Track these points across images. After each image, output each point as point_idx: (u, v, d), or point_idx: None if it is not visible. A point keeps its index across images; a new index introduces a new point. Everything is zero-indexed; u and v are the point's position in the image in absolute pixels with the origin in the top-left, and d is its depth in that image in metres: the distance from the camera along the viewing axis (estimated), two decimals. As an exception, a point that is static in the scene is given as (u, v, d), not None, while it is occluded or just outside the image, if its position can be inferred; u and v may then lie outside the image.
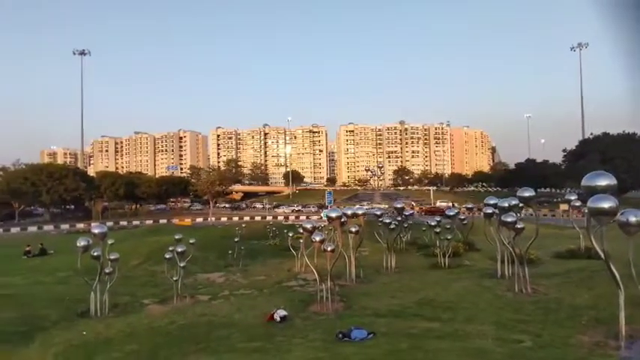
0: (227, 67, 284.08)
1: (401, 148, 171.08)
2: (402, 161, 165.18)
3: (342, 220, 12.39)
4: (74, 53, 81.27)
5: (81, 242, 12.28)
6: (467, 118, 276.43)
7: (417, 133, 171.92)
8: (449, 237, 18.98)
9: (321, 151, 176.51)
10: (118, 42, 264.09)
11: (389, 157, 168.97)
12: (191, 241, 17.90)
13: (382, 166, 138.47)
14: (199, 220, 61.25)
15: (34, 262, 26.03)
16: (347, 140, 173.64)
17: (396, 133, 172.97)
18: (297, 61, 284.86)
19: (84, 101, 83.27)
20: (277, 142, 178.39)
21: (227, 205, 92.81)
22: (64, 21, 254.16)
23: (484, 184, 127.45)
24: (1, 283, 18.07)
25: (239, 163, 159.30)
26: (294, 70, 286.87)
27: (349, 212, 13.63)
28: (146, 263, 22.41)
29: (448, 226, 21.08)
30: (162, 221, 59.81)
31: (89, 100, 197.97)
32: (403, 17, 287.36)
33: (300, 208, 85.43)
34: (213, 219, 61.12)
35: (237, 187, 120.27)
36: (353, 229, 14.62)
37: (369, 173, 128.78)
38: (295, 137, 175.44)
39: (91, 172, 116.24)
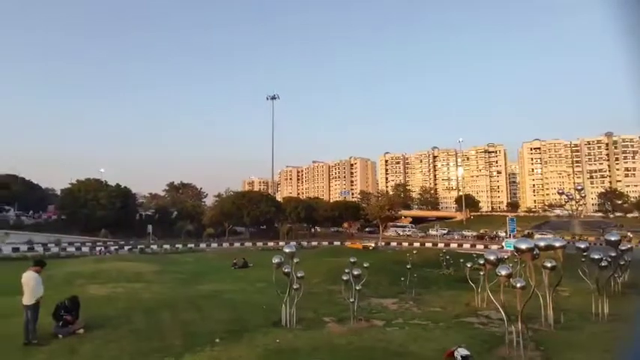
0: (393, 95, 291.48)
1: (608, 166, 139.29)
2: (610, 182, 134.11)
3: (535, 252, 10.63)
4: (267, 99, 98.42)
5: (275, 259, 14.20)
6: None
7: (633, 145, 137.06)
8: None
9: (499, 172, 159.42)
10: (298, 86, 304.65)
11: (591, 176, 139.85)
12: (365, 265, 18.46)
13: (582, 188, 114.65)
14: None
15: (239, 272, 31.28)
16: (532, 159, 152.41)
17: (600, 147, 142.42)
18: (468, 76, 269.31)
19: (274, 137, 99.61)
20: (447, 164, 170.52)
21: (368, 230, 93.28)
22: (256, 71, 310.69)
23: None
24: (219, 288, 22.46)
25: (407, 188, 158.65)
26: (465, 88, 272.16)
27: (542, 244, 11.63)
28: (324, 282, 24.06)
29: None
30: (336, 243, 64.17)
31: (277, 136, 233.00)
32: None
33: (410, 231, 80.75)
34: (383, 243, 62.03)
35: (406, 211, 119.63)
36: (549, 264, 12.40)
37: (564, 197, 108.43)
38: (468, 158, 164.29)
39: (279, 197, 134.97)
